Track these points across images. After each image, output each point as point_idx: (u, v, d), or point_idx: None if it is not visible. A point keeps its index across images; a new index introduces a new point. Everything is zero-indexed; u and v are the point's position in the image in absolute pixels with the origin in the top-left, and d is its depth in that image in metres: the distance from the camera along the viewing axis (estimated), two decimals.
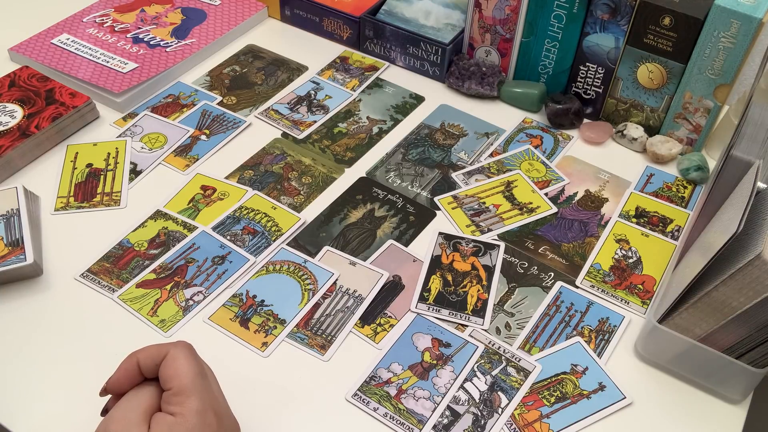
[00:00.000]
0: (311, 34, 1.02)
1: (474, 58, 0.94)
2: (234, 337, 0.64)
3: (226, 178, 0.80)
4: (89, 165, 0.80)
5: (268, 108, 0.89)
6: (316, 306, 0.67)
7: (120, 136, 0.84)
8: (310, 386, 0.61)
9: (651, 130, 0.87)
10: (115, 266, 0.70)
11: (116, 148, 0.82)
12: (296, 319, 0.66)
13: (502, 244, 0.74)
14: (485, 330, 0.66)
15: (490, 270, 0.71)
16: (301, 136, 0.86)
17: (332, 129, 0.87)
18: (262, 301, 0.67)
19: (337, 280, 0.69)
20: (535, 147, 0.86)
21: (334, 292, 0.68)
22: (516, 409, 0.60)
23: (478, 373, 0.62)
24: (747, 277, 0.54)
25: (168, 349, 0.48)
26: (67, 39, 0.95)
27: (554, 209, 0.78)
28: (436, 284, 0.70)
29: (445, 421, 0.59)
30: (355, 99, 0.92)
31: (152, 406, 0.47)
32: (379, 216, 0.76)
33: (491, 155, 0.85)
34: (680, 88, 0.81)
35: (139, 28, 0.98)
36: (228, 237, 0.73)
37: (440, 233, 0.75)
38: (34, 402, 0.59)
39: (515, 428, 0.59)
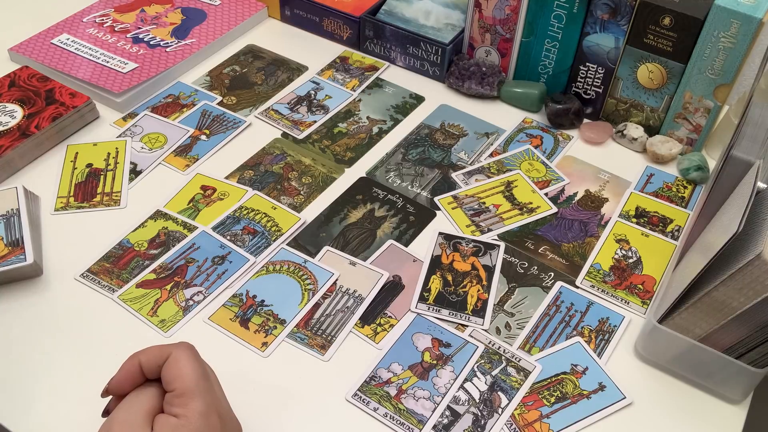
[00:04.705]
0: (311, 34, 1.02)
1: (474, 58, 0.94)
2: (234, 337, 0.64)
3: (226, 178, 0.80)
4: (89, 165, 0.80)
5: (268, 108, 0.89)
6: (316, 306, 0.67)
7: (120, 136, 0.84)
8: (310, 386, 0.61)
9: (651, 130, 0.87)
10: (115, 266, 0.70)
11: (116, 148, 0.82)
12: (296, 319, 0.66)
13: (502, 244, 0.74)
14: (485, 330, 0.66)
15: (490, 270, 0.71)
16: (301, 136, 0.86)
17: (332, 129, 0.87)
18: (262, 301, 0.67)
19: (337, 280, 0.69)
20: (535, 147, 0.86)
21: (334, 292, 0.68)
22: (516, 409, 0.60)
23: (478, 373, 0.62)
24: (747, 277, 0.54)
25: (170, 351, 0.48)
26: (67, 39, 0.95)
27: (554, 209, 0.78)
28: (436, 284, 0.70)
29: (445, 421, 0.59)
30: (355, 99, 0.92)
31: (154, 408, 0.47)
32: (379, 216, 0.77)
33: (491, 155, 0.85)
34: (680, 88, 0.81)
35: (139, 28, 0.98)
36: (228, 237, 0.73)
37: (440, 233, 0.75)
38: (34, 402, 0.59)
39: (515, 428, 0.59)
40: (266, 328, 0.65)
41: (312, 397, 0.61)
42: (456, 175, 0.82)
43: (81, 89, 0.87)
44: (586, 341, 0.65)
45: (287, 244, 0.73)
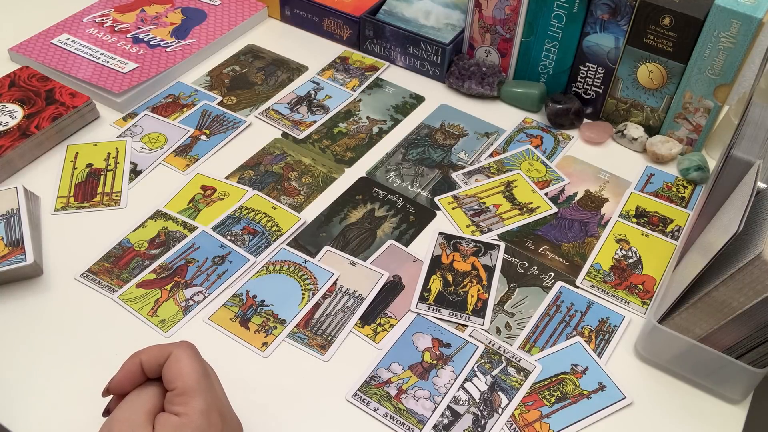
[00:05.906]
0: (311, 34, 1.02)
1: (474, 58, 0.94)
2: (234, 337, 0.64)
3: (226, 178, 0.80)
4: (89, 165, 0.80)
5: (268, 108, 0.89)
6: (316, 306, 0.67)
7: (120, 136, 0.84)
8: (310, 386, 0.61)
9: (651, 130, 0.87)
10: (115, 266, 0.70)
11: (116, 148, 0.82)
12: (296, 319, 0.66)
13: (502, 244, 0.74)
14: (485, 330, 0.66)
15: (490, 270, 0.71)
16: (301, 136, 0.86)
17: (332, 129, 0.87)
18: (262, 301, 0.67)
19: (337, 280, 0.69)
20: (535, 147, 0.86)
21: (334, 292, 0.68)
22: (516, 409, 0.60)
23: (478, 373, 0.62)
24: (747, 277, 0.54)
25: (171, 350, 0.48)
26: (67, 39, 0.95)
27: (554, 209, 0.78)
28: (436, 284, 0.70)
29: (445, 421, 0.59)
30: (355, 99, 0.92)
31: (155, 407, 0.47)
32: (379, 216, 0.77)
33: (491, 155, 0.85)
34: (680, 88, 0.81)
35: (139, 28, 0.98)
36: (228, 237, 0.73)
37: (440, 233, 0.75)
38: (34, 402, 0.59)
39: (515, 428, 0.59)
40: (266, 328, 0.65)
41: (312, 397, 0.61)
42: (456, 175, 0.82)
43: (81, 89, 0.87)
44: (586, 341, 0.65)
45: (287, 244, 0.73)
